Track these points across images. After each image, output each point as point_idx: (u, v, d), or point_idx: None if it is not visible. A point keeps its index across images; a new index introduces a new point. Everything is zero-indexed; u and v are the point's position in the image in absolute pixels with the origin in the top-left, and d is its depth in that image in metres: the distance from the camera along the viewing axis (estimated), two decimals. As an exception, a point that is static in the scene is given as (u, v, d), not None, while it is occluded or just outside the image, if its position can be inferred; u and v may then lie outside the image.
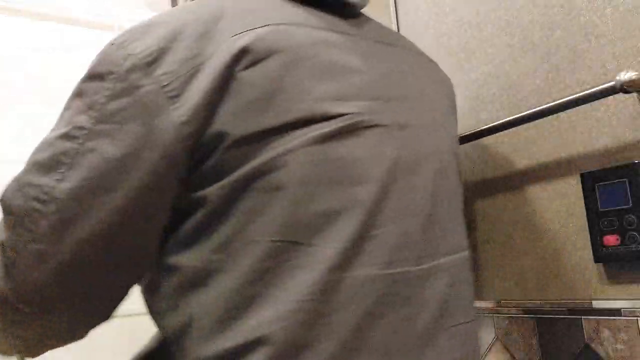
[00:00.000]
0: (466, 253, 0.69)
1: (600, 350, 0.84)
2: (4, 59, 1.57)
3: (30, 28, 1.62)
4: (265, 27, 0.55)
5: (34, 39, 1.62)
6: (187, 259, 0.53)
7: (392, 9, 1.31)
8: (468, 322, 0.65)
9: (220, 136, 0.51)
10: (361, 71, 0.60)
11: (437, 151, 0.64)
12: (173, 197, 0.54)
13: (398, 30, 1.30)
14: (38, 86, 1.61)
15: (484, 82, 1.07)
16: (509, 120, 0.93)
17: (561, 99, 0.84)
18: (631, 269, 0.81)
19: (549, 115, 0.89)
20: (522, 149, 0.98)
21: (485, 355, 1.04)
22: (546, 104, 0.87)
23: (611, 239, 0.81)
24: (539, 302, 0.94)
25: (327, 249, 0.51)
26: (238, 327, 0.50)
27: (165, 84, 0.51)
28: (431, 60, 0.80)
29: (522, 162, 0.98)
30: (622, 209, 0.80)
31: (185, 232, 0.54)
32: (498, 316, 1.01)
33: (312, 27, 0.59)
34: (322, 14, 0.63)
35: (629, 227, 0.79)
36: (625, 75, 0.75)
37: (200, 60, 0.52)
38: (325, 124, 0.54)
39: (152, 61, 0.52)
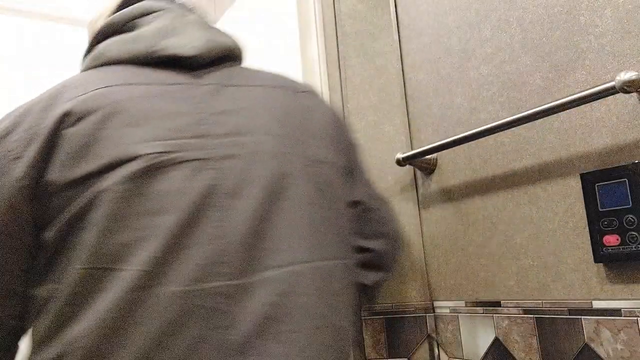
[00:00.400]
0: (317, 264, 0.71)
1: (600, 350, 0.84)
2: (4, 59, 1.57)
3: (30, 28, 1.62)
4: (90, 92, 0.67)
5: (34, 39, 1.62)
6: (40, 290, 0.65)
7: (392, 9, 1.31)
8: (319, 328, 0.68)
9: (51, 184, 0.63)
10: (183, 114, 0.69)
11: (274, 174, 0.70)
12: (29, 239, 0.65)
13: (398, 29, 1.30)
14: (38, 86, 1.61)
15: (484, 81, 1.07)
16: (509, 120, 0.93)
17: (561, 99, 0.84)
18: (631, 269, 0.81)
19: (549, 115, 0.88)
20: (522, 149, 0.98)
21: (485, 355, 1.04)
22: (546, 104, 0.87)
23: (611, 239, 0.81)
24: (539, 302, 0.94)
25: (128, 272, 0.61)
26: (54, 343, 0.61)
27: (10, 149, 0.65)
28: (300, 92, 0.83)
29: (522, 162, 0.98)
30: (622, 209, 0.80)
31: (40, 267, 0.65)
32: (498, 316, 1.02)
33: (139, 84, 0.70)
34: (161, 72, 0.73)
35: (629, 227, 0.79)
36: (625, 75, 0.75)
37: (39, 126, 0.65)
38: (132, 163, 0.63)
39: (5, 134, 0.66)
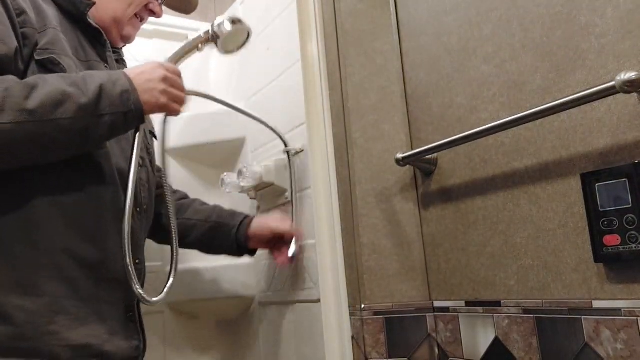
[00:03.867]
0: None
1: (600, 350, 0.84)
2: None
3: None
4: None
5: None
6: None
7: (392, 8, 1.31)
8: None
9: None
10: None
11: None
12: None
13: (398, 28, 1.30)
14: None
15: (484, 81, 1.07)
16: (509, 120, 0.93)
17: (561, 98, 0.84)
18: (631, 268, 0.81)
19: (549, 115, 0.88)
20: (522, 149, 0.98)
21: (486, 355, 1.04)
22: (546, 103, 0.87)
23: (611, 239, 0.81)
24: (539, 301, 0.94)
25: None
26: None
27: None
28: None
29: (522, 162, 0.98)
30: (622, 208, 0.80)
31: None
32: (498, 316, 1.02)
33: None
34: None
35: (629, 227, 0.79)
36: (625, 75, 0.75)
37: None
38: None
39: None
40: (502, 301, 1.01)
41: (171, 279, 0.99)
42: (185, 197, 1.34)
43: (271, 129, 1.35)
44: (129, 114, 0.85)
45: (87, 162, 0.90)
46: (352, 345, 1.19)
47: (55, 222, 0.85)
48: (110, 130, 0.86)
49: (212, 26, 1.07)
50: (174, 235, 1.02)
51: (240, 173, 1.38)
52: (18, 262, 0.81)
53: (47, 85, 0.80)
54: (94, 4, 1.00)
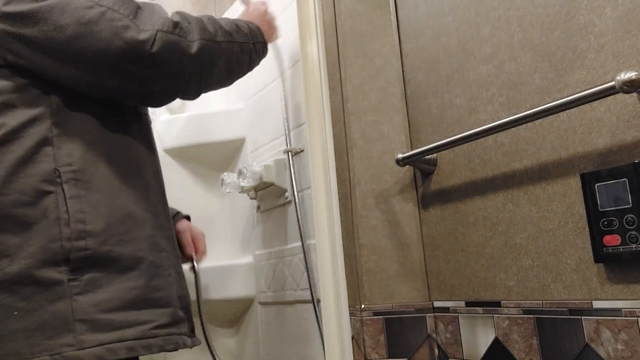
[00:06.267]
0: None
1: (600, 350, 0.84)
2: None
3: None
4: None
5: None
6: None
7: (392, 9, 1.31)
8: None
9: None
10: None
11: None
12: None
13: (398, 29, 1.30)
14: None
15: (483, 82, 1.07)
16: (509, 121, 0.93)
17: (561, 99, 0.84)
18: (631, 269, 0.81)
19: (548, 115, 0.88)
20: (521, 149, 0.98)
21: (485, 355, 1.04)
22: (546, 103, 0.87)
23: (611, 239, 0.81)
24: (539, 302, 0.94)
25: None
26: None
27: None
28: None
29: (521, 162, 0.98)
30: (622, 208, 0.80)
31: None
32: (498, 316, 1.01)
33: None
34: None
35: (629, 227, 0.79)
36: (625, 75, 0.75)
37: None
38: None
39: None
40: (502, 302, 1.01)
41: None
42: None
43: None
44: (265, 43, 1.12)
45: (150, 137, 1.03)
46: (352, 345, 1.19)
47: (157, 189, 0.98)
48: (259, 57, 1.10)
49: None
50: None
51: (240, 173, 1.38)
52: (145, 222, 0.90)
53: (219, 18, 0.99)
54: None
